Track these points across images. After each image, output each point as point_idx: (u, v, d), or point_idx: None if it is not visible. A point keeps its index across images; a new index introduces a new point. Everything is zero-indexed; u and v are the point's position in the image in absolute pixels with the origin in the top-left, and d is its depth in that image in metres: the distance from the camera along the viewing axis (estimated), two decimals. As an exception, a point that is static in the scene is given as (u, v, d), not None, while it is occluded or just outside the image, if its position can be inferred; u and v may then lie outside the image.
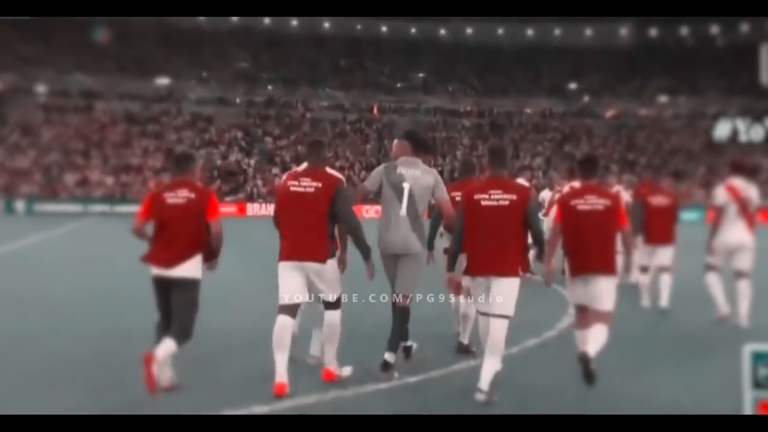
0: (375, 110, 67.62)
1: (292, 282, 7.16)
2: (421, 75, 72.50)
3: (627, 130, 69.24)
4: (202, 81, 67.01)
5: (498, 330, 6.84)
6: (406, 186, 7.67)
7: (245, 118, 64.60)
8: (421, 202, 7.73)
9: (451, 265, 7.29)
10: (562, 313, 10.70)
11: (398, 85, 71.22)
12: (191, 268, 7.05)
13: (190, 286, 7.05)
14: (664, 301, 11.52)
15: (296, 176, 7.35)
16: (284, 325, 7.04)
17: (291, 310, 7.13)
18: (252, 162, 59.87)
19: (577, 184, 8.56)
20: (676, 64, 70.19)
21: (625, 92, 71.13)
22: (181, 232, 7.04)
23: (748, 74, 56.24)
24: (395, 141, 8.32)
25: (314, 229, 7.16)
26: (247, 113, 65.12)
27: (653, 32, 75.34)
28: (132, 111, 62.26)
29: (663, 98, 70.37)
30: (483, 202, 6.94)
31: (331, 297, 7.34)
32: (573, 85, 73.01)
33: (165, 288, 7.08)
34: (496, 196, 6.93)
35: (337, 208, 7.20)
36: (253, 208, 53.14)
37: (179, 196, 7.08)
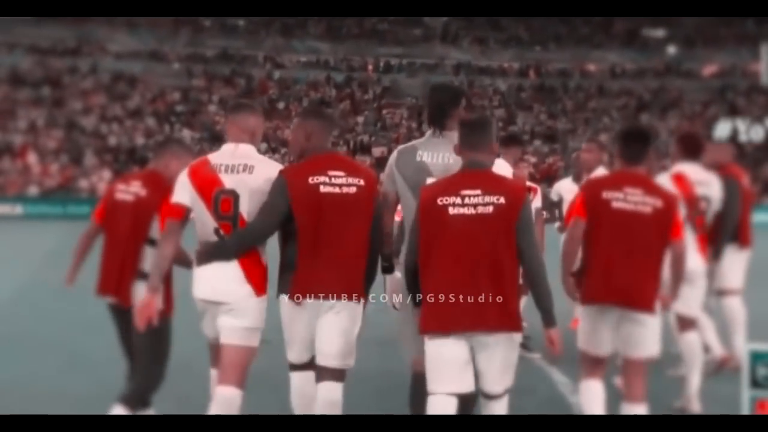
0: (370, 68, 56.20)
1: (305, 330, 5.83)
2: (440, 20, 59.91)
3: (734, 93, 55.91)
4: (129, 28, 54.66)
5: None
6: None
7: (187, 78, 52.64)
8: None
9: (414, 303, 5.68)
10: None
11: (415, 32, 58.95)
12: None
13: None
14: (741, 341, 8.40)
15: (320, 168, 5.75)
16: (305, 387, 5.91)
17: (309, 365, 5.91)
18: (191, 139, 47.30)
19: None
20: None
21: (731, 40, 58.25)
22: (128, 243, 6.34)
23: None
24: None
25: (354, 251, 5.76)
26: (190, 72, 53.18)
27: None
28: (20, 68, 50.09)
29: None
30: (452, 210, 5.29)
31: (345, 362, 5.83)
32: (657, 32, 60.19)
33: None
34: (474, 200, 5.28)
35: (375, 221, 5.89)
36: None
37: (129, 191, 6.39)
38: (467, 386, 5.36)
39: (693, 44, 58.70)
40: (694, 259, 7.62)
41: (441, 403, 5.33)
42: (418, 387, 5.71)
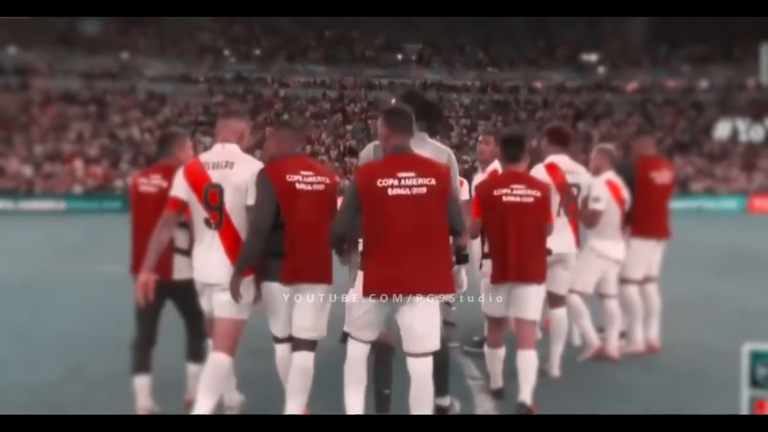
0: (358, 87, 52.88)
1: (287, 308, 5.32)
2: (417, 46, 57.11)
3: (652, 105, 53.41)
4: (162, 56, 51.86)
5: (426, 373, 4.86)
6: None
7: (208, 96, 49.72)
8: None
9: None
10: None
11: (396, 57, 56.11)
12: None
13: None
14: (655, 333, 7.93)
15: (294, 168, 5.26)
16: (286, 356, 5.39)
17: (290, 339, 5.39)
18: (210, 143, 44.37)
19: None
20: (708, 29, 52.72)
21: (648, 62, 55.43)
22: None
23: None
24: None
25: (325, 241, 5.15)
26: (211, 91, 50.40)
27: (681, -6, 57.70)
28: (72, 90, 47.57)
29: (692, 68, 53.99)
30: (391, 191, 4.79)
31: (319, 334, 5.37)
32: (590, 57, 57.23)
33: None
34: (409, 182, 4.79)
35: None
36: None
37: (152, 184, 5.85)
38: (376, 336, 5.05)
39: (619, 66, 55.87)
40: (568, 243, 6.90)
41: (358, 349, 5.04)
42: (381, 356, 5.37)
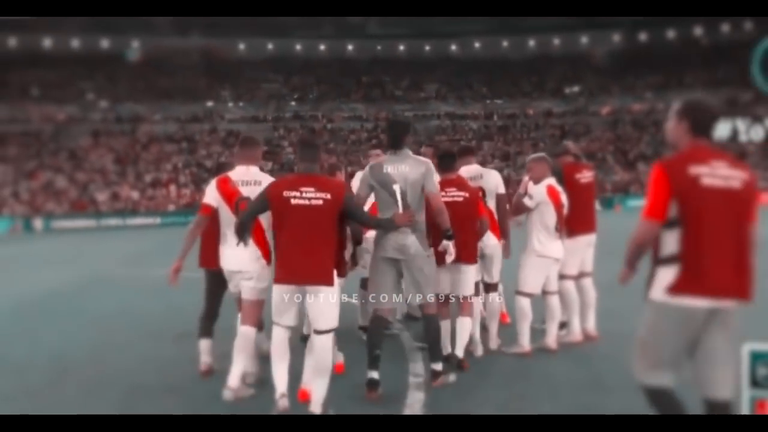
0: (384, 117, 50.89)
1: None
2: (434, 85, 55.59)
3: (621, 124, 51.43)
4: (237, 102, 51.74)
5: (326, 347, 4.63)
6: (396, 188, 5.03)
7: (272, 131, 49.48)
8: (416, 199, 5.08)
9: None
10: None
11: (419, 95, 54.36)
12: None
13: None
14: (592, 323, 6.85)
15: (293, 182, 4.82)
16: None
17: None
18: (270, 168, 44.35)
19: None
20: (665, 63, 51.63)
21: (618, 91, 53.29)
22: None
23: (730, 69, 44.12)
24: None
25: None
26: (275, 127, 50.13)
27: (642, 36, 56.21)
28: (169, 132, 47.99)
29: (653, 94, 51.63)
30: (293, 201, 4.62)
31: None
32: (572, 88, 55.05)
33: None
34: (309, 195, 4.63)
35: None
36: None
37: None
38: (294, 322, 4.72)
39: (594, 95, 53.95)
40: (487, 236, 6.33)
41: (280, 332, 4.71)
42: (429, 322, 5.25)
